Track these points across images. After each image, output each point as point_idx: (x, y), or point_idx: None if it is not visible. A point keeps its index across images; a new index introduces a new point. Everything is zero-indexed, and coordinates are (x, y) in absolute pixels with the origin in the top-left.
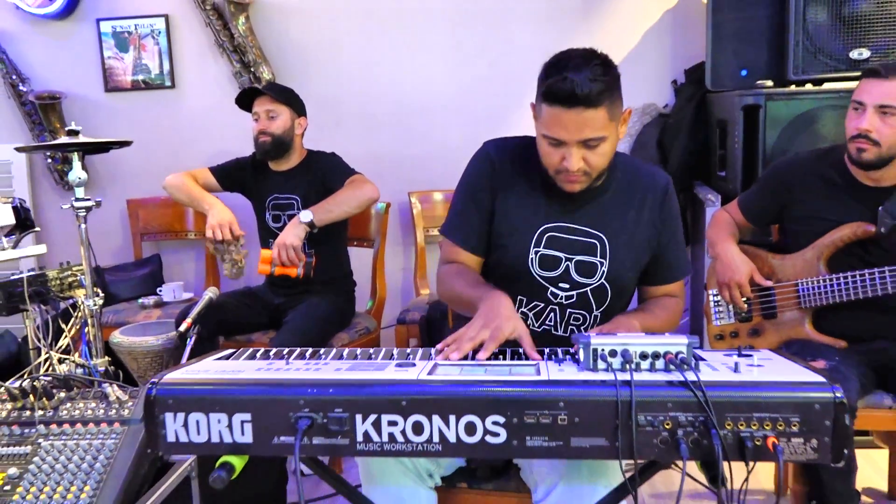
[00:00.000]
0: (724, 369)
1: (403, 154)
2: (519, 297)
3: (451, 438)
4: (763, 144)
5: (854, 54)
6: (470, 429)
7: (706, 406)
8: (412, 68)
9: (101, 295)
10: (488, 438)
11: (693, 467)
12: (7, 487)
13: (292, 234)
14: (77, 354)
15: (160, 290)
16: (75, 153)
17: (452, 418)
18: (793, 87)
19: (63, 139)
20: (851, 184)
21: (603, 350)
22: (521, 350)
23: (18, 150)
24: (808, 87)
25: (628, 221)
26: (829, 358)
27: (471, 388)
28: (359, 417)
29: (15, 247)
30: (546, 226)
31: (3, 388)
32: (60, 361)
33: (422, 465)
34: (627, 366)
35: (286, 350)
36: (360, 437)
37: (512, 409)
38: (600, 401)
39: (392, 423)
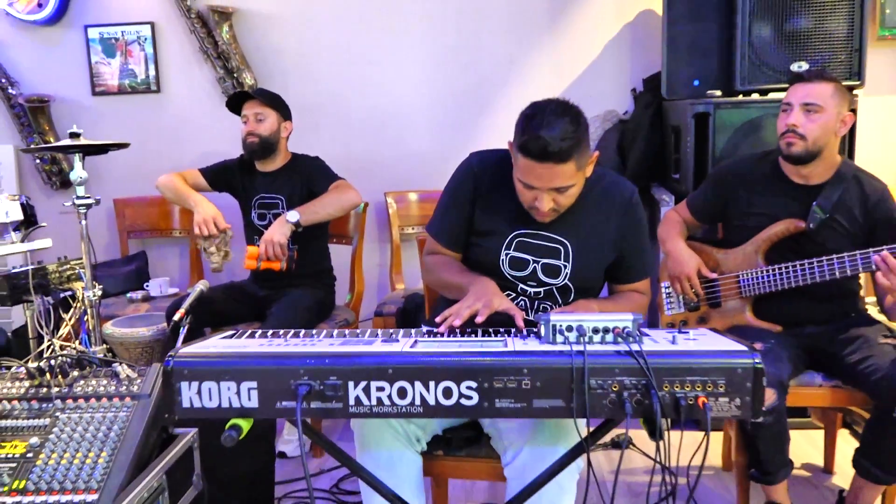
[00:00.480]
0: (663, 342)
1: (379, 156)
2: None
3: (431, 401)
4: (713, 149)
5: (794, 67)
6: (447, 393)
7: (647, 371)
8: (387, 75)
9: (100, 287)
10: (463, 401)
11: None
12: (30, 455)
13: (279, 231)
14: (77, 342)
15: (147, 286)
16: (77, 154)
17: (432, 384)
18: (740, 97)
19: (66, 141)
20: (785, 182)
21: (561, 325)
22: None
23: (24, 151)
24: (754, 96)
25: (593, 228)
26: (766, 341)
27: (447, 358)
28: (351, 384)
29: (23, 241)
30: (517, 231)
31: (22, 368)
32: (62, 349)
33: (411, 430)
34: (581, 339)
35: (281, 331)
36: (352, 402)
37: (483, 375)
38: (558, 368)
39: (380, 389)
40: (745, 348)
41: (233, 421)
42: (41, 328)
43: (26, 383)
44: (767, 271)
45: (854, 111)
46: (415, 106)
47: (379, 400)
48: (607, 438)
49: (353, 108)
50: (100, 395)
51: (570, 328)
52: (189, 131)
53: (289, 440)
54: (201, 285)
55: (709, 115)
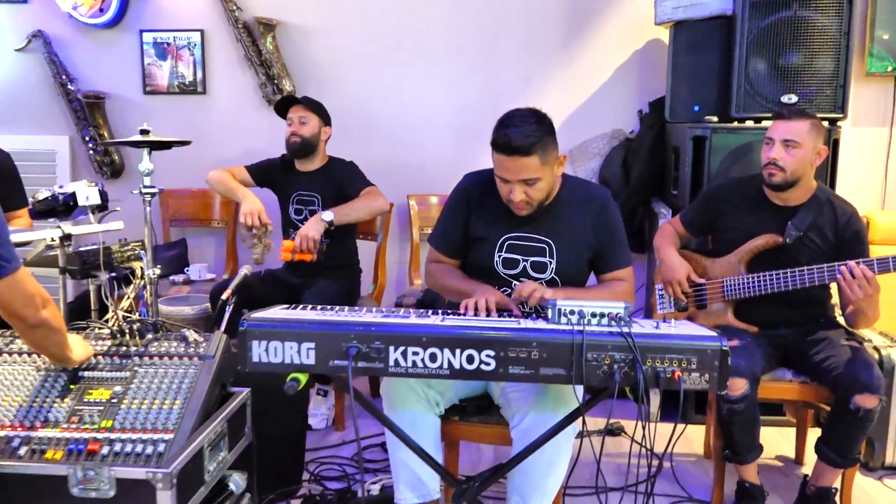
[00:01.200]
0: (649, 327)
1: (403, 161)
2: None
3: (456, 366)
4: (708, 169)
5: (785, 98)
6: (470, 359)
7: (634, 348)
8: (412, 88)
9: (159, 266)
10: (482, 366)
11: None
12: (114, 400)
13: (314, 228)
14: (136, 314)
15: (187, 270)
16: (145, 149)
17: (458, 351)
18: (735, 123)
19: (137, 137)
20: (766, 203)
21: (565, 309)
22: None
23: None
24: (748, 123)
25: (573, 228)
26: (743, 339)
27: (471, 331)
28: (391, 348)
29: (100, 222)
30: (507, 235)
31: (105, 329)
32: (124, 319)
33: (431, 395)
34: (581, 321)
35: (328, 307)
36: (391, 363)
37: (499, 346)
38: (561, 343)
39: (415, 353)
40: (714, 335)
41: (293, 374)
42: (106, 300)
43: (108, 343)
44: (748, 279)
45: (833, 142)
46: (436, 117)
47: (413, 363)
48: (601, 426)
49: (380, 116)
50: (171, 355)
51: (572, 312)
52: (230, 131)
53: (314, 414)
54: (245, 270)
55: (706, 138)
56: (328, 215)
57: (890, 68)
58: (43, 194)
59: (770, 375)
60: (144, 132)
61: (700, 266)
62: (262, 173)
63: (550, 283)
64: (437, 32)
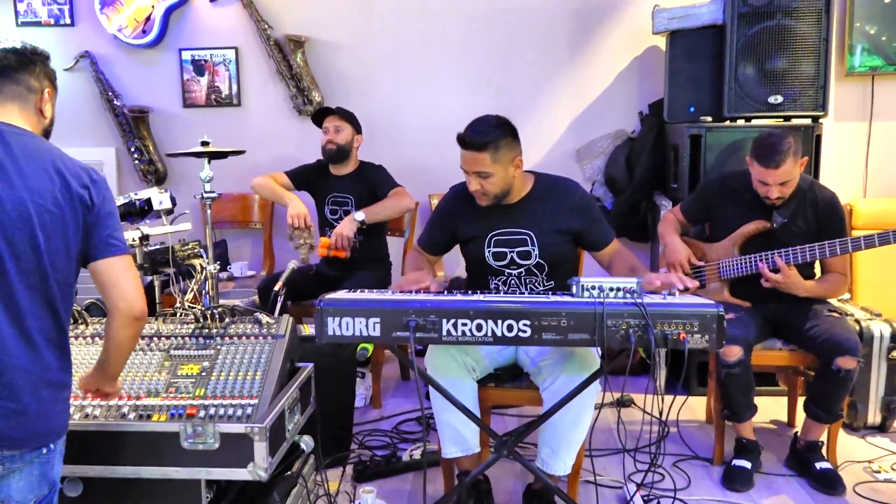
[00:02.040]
0: (658, 299)
1: (425, 163)
2: (488, 277)
3: (499, 333)
4: (704, 164)
5: (772, 99)
6: (510, 328)
7: (645, 315)
8: (433, 95)
9: (218, 263)
10: (520, 333)
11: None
12: (203, 374)
13: (348, 227)
14: (200, 304)
15: (230, 268)
16: (206, 158)
17: (500, 322)
18: (727, 123)
19: (198, 148)
20: (755, 196)
21: (587, 285)
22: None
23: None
24: (739, 122)
25: (549, 217)
26: (738, 312)
27: (510, 304)
28: (444, 321)
29: (171, 223)
30: (493, 232)
31: (189, 314)
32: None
33: (468, 362)
34: (601, 294)
35: (385, 290)
36: (444, 333)
37: (534, 316)
38: (586, 312)
39: (464, 325)
40: (712, 303)
41: (363, 344)
42: (174, 293)
43: (191, 326)
44: (741, 260)
45: (816, 138)
46: (455, 121)
47: (463, 332)
48: (615, 397)
49: (403, 122)
50: (248, 335)
51: (593, 287)
52: (263, 140)
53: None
54: (292, 265)
55: (701, 136)
56: (360, 215)
57: (878, 63)
58: (121, 200)
59: (762, 345)
60: (205, 143)
61: (699, 250)
62: (301, 177)
63: (538, 267)
64: (455, 45)
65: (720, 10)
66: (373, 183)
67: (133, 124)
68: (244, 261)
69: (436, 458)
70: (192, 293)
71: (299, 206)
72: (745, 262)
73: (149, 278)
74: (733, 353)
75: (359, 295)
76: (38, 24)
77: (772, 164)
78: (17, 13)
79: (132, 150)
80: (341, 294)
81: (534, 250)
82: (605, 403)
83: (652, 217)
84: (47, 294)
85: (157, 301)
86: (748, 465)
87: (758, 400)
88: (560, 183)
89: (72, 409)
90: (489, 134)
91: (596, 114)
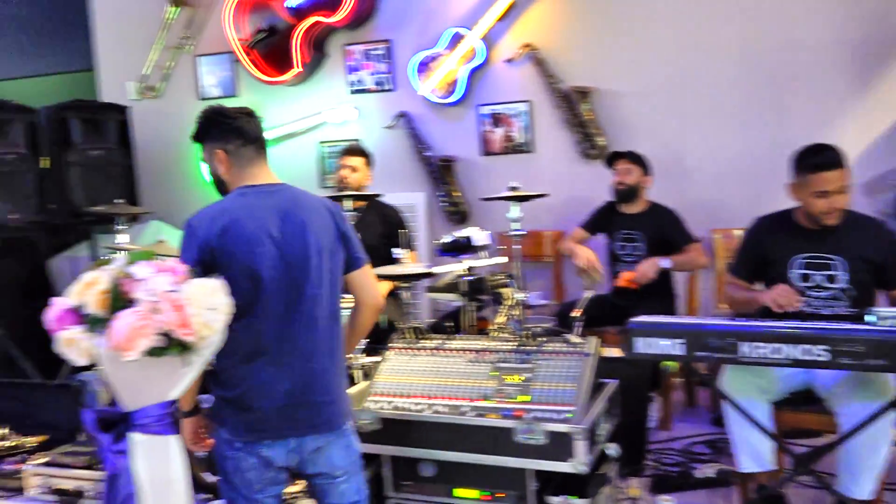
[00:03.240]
0: None
1: (707, 198)
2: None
3: (797, 357)
4: None
5: None
6: (806, 352)
7: None
8: (713, 134)
9: (534, 292)
10: (818, 358)
11: None
12: (526, 383)
13: (652, 269)
14: (510, 328)
15: (528, 297)
16: (512, 201)
17: (799, 346)
18: None
19: (506, 192)
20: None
21: (884, 315)
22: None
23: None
24: None
25: (858, 245)
26: None
27: (807, 330)
28: (741, 343)
29: (490, 257)
30: (798, 256)
31: (515, 333)
32: (499, 330)
33: (762, 384)
34: None
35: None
36: (740, 353)
37: (832, 342)
38: (883, 340)
39: (761, 347)
40: None
41: (665, 363)
42: (488, 317)
43: (511, 344)
44: None
45: None
46: (733, 156)
47: (759, 354)
48: None
49: (684, 161)
50: (560, 352)
51: (892, 316)
52: (554, 182)
53: None
54: (587, 294)
55: None
56: (666, 263)
57: None
58: (446, 238)
59: None
60: (513, 188)
61: None
62: (594, 225)
63: (842, 293)
64: (730, 83)
65: None
66: (665, 226)
67: (441, 172)
68: (536, 291)
69: (729, 477)
70: (503, 316)
71: (587, 252)
72: None
73: (456, 304)
74: None
75: (664, 318)
76: (366, 91)
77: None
78: (349, 83)
79: (438, 194)
80: (645, 318)
81: (840, 275)
82: None
83: None
84: (337, 308)
85: (471, 324)
86: None
87: None
88: (868, 218)
89: (421, 408)
90: (837, 154)
91: (883, 146)
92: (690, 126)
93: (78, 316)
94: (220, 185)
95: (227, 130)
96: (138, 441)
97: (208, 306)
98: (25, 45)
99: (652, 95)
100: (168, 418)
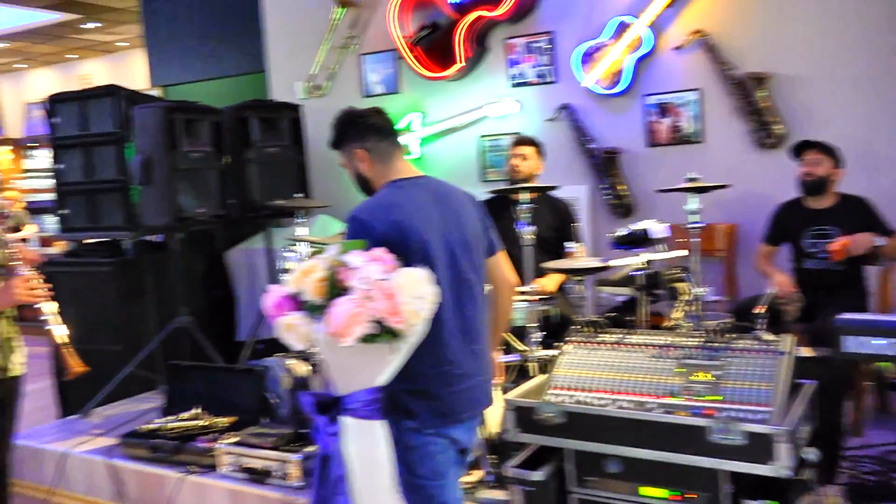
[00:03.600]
0: None
1: None
2: None
3: None
4: None
5: None
6: None
7: None
8: None
9: (709, 287)
10: None
11: None
12: (715, 381)
13: (865, 242)
14: (687, 322)
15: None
16: (690, 192)
17: None
18: None
19: (685, 184)
20: None
21: None
22: None
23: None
24: None
25: None
26: None
27: None
28: None
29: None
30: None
31: (699, 329)
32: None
33: None
34: None
35: None
36: None
37: None
38: None
39: None
40: None
41: (879, 363)
42: (667, 309)
43: (697, 339)
44: None
45: None
46: None
47: None
48: None
49: (871, 149)
50: (751, 349)
51: None
52: (726, 174)
53: None
54: (770, 290)
55: None
56: (881, 241)
57: None
58: (622, 231)
59: None
60: (692, 179)
61: None
62: (776, 234)
63: None
64: None
65: None
66: (864, 217)
67: (604, 164)
68: (708, 286)
69: None
70: (680, 312)
71: (782, 279)
72: None
73: (621, 298)
74: None
75: (877, 315)
76: (527, 84)
77: None
78: (510, 77)
79: (601, 187)
80: (856, 315)
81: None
82: None
83: None
84: (483, 291)
85: (644, 319)
86: None
87: None
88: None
89: (604, 403)
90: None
91: None
92: (879, 110)
93: (296, 302)
94: (365, 184)
95: (364, 129)
96: (349, 424)
97: (416, 295)
98: (205, 51)
99: (835, 79)
100: (375, 404)
